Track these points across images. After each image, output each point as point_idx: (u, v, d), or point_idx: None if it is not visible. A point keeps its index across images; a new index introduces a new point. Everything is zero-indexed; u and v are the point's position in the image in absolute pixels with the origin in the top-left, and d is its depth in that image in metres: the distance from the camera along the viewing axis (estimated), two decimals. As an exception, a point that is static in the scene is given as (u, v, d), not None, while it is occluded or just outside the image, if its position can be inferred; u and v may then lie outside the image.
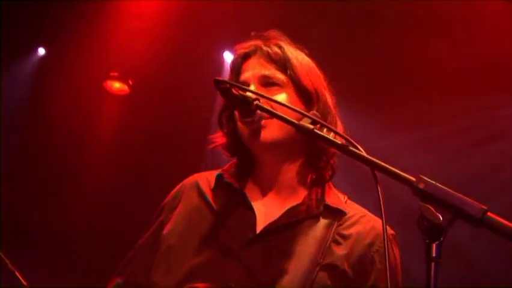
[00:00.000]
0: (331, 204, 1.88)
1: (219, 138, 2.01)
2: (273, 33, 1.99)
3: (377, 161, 1.45)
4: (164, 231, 1.94)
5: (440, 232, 1.29)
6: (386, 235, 1.45)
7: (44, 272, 6.11)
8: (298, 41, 2.00)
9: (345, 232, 1.84)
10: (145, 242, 2.02)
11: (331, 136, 1.59)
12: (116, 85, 6.64)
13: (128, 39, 6.08)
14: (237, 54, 1.98)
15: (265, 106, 1.72)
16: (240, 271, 1.76)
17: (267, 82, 1.89)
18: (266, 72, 1.89)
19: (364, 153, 1.49)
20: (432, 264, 1.28)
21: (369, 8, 5.45)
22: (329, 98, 1.95)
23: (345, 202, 1.93)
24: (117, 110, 6.82)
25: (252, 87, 1.85)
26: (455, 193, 1.32)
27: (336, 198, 1.92)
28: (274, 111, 1.69)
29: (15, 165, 6.53)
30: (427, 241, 1.30)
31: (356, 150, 1.51)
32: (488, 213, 1.27)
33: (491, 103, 5.71)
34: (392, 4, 5.36)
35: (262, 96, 1.76)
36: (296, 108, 1.74)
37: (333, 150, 1.87)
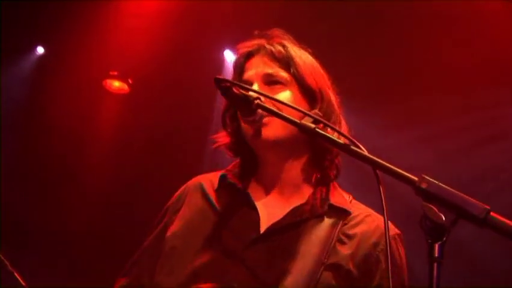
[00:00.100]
0: (336, 204, 1.86)
1: (222, 137, 2.00)
2: (276, 32, 1.99)
3: (379, 160, 1.44)
4: (168, 233, 1.93)
5: (442, 232, 1.28)
6: (388, 235, 1.45)
7: (44, 272, 6.11)
8: (299, 40, 2.00)
9: (350, 232, 1.83)
10: (149, 244, 2.01)
11: (335, 136, 1.58)
12: (116, 84, 6.62)
13: (128, 38, 6.07)
14: (240, 53, 1.97)
15: (266, 105, 1.71)
16: (244, 271, 1.75)
17: (270, 80, 1.88)
18: (269, 71, 1.89)
19: (366, 153, 1.49)
20: (435, 264, 1.27)
21: (370, 6, 5.44)
22: (332, 97, 1.94)
23: (350, 202, 1.92)
24: (117, 110, 6.80)
25: (255, 86, 1.84)
26: (458, 193, 1.31)
27: (340, 197, 1.91)
28: (275, 110, 1.69)
29: (14, 165, 6.52)
30: (430, 241, 1.29)
31: (358, 150, 1.50)
32: (492, 213, 1.26)
33: (493, 102, 5.70)
34: (392, 3, 5.36)
35: (263, 94, 1.75)
36: (297, 107, 1.73)
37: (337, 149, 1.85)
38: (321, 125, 1.60)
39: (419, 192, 1.33)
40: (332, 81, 1.99)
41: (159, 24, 5.99)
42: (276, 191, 1.91)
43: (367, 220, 1.86)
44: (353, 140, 1.53)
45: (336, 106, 1.94)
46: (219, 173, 1.98)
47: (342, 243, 1.80)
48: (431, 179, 1.34)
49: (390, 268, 1.48)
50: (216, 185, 1.96)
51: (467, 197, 1.30)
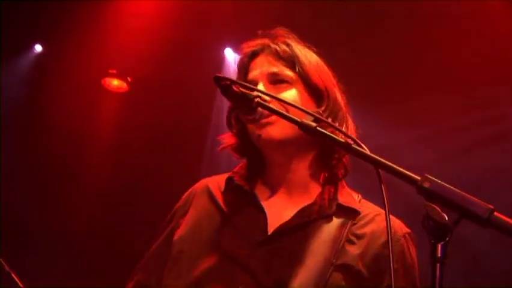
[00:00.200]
0: (344, 204, 1.84)
1: (227, 139, 1.99)
2: (280, 31, 1.97)
3: (381, 159, 1.42)
4: (175, 237, 1.92)
5: (445, 232, 1.27)
6: (390, 235, 1.44)
7: (44, 272, 6.11)
8: (299, 38, 1.98)
9: (359, 231, 1.81)
10: (156, 249, 2.01)
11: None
12: (115, 82, 6.60)
13: (126, 36, 6.05)
14: (244, 52, 1.96)
15: (266, 103, 1.69)
16: (251, 274, 1.73)
17: (275, 79, 1.87)
18: (274, 70, 1.87)
19: (368, 152, 1.47)
20: (438, 265, 1.26)
21: (370, 6, 5.44)
22: (339, 95, 1.92)
23: (359, 201, 1.90)
24: (116, 108, 6.78)
25: (260, 86, 1.83)
26: (461, 192, 1.29)
27: (349, 197, 1.89)
28: (275, 108, 1.67)
29: (14, 165, 6.51)
30: (432, 241, 1.27)
31: (360, 149, 1.49)
32: (495, 213, 1.25)
33: (494, 101, 5.70)
34: (392, 2, 5.35)
35: (263, 93, 1.73)
36: (297, 105, 1.72)
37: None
38: (323, 123, 1.59)
39: (421, 191, 1.32)
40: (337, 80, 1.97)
41: (158, 22, 5.97)
42: (284, 191, 1.89)
43: (377, 219, 1.84)
44: (355, 139, 1.52)
45: (342, 104, 1.92)
46: (226, 175, 1.96)
47: (352, 243, 1.78)
48: (433, 178, 1.32)
49: (392, 268, 1.46)
50: (222, 187, 1.94)
51: (470, 196, 1.28)
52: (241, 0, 5.54)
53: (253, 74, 1.89)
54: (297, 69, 1.87)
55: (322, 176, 1.91)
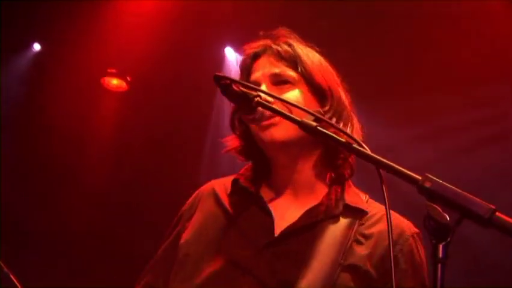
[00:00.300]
0: (351, 204, 1.83)
1: (231, 141, 1.98)
2: (282, 31, 1.97)
3: (382, 159, 1.41)
4: (182, 240, 1.91)
5: (447, 232, 1.26)
6: (391, 236, 1.43)
7: (44, 272, 6.10)
8: (300, 36, 1.97)
9: (367, 231, 1.79)
10: (163, 252, 2.00)
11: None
12: (114, 82, 6.57)
13: (126, 35, 6.03)
14: (246, 54, 1.95)
15: (266, 103, 1.68)
16: (259, 276, 1.72)
17: (278, 80, 1.86)
18: (276, 70, 1.86)
19: (369, 152, 1.46)
20: (439, 265, 1.25)
21: (370, 6, 5.43)
22: (343, 95, 1.92)
23: (367, 201, 1.89)
24: (115, 108, 6.76)
25: (263, 87, 1.82)
26: (462, 192, 1.28)
27: (356, 197, 1.88)
28: (275, 108, 1.66)
29: (13, 164, 6.50)
30: (434, 242, 1.26)
31: (361, 148, 1.48)
32: (497, 213, 1.23)
33: (494, 100, 5.69)
34: (393, 2, 5.35)
35: (263, 92, 1.72)
36: (297, 105, 1.71)
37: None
38: (324, 123, 1.58)
39: (422, 191, 1.31)
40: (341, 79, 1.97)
41: (158, 20, 5.95)
42: (290, 193, 1.88)
43: (384, 219, 1.80)
44: (356, 138, 1.51)
45: (346, 103, 1.91)
46: (232, 177, 1.96)
47: (359, 243, 1.77)
48: (434, 178, 1.31)
49: (393, 269, 1.46)
50: (229, 190, 1.94)
51: (471, 196, 1.27)
52: (241, 0, 5.53)
53: (255, 75, 1.89)
54: (300, 69, 1.86)
55: (328, 176, 1.89)
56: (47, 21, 6.09)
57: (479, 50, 5.39)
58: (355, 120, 1.92)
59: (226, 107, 6.27)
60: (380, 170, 1.42)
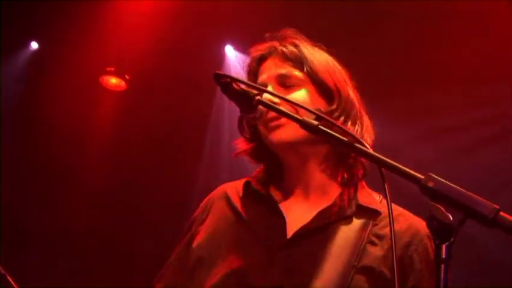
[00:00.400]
0: (364, 204, 1.82)
1: (241, 144, 1.97)
2: (288, 32, 1.96)
3: (384, 158, 1.40)
4: (194, 245, 1.90)
5: (450, 232, 1.24)
6: (394, 236, 1.42)
7: (44, 272, 6.10)
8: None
9: (381, 232, 1.77)
10: (176, 257, 1.99)
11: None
12: (113, 81, 6.54)
13: (125, 33, 6.00)
14: (253, 57, 1.95)
15: (267, 101, 1.67)
16: (271, 278, 1.71)
17: (284, 81, 1.85)
18: (282, 71, 1.86)
19: (371, 151, 1.45)
20: (442, 266, 1.23)
21: (371, 4, 5.42)
22: (351, 93, 1.90)
23: (380, 201, 1.86)
24: (114, 107, 6.73)
25: (269, 88, 1.81)
26: (466, 192, 1.26)
27: (370, 197, 1.86)
28: (276, 106, 1.65)
29: (12, 164, 6.48)
30: (437, 242, 1.25)
31: (363, 147, 1.46)
32: (501, 213, 1.22)
33: (495, 100, 5.68)
34: (394, 1, 5.34)
35: (265, 90, 1.71)
36: (298, 103, 1.70)
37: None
38: (326, 121, 1.56)
39: (425, 191, 1.29)
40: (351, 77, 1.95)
41: (157, 18, 5.92)
42: (302, 194, 1.87)
43: (399, 219, 1.80)
44: (357, 137, 1.50)
45: (355, 102, 1.90)
46: (244, 180, 1.95)
47: (373, 244, 1.75)
48: (438, 178, 1.29)
49: (396, 270, 1.44)
50: (241, 193, 1.93)
51: (475, 196, 1.26)
52: (241, -2, 5.52)
53: (262, 77, 1.88)
54: (305, 69, 1.85)
55: (340, 177, 1.87)
56: (45, 20, 6.06)
57: (479, 50, 5.38)
58: (365, 119, 1.91)
59: (226, 106, 6.27)
60: (382, 169, 1.41)
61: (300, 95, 1.82)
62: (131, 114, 6.66)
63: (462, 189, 1.27)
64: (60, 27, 6.07)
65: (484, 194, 1.27)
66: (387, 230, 1.76)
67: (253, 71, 1.93)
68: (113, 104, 6.70)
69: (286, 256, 1.74)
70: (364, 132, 1.86)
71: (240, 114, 1.93)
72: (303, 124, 1.55)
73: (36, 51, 6.60)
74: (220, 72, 1.64)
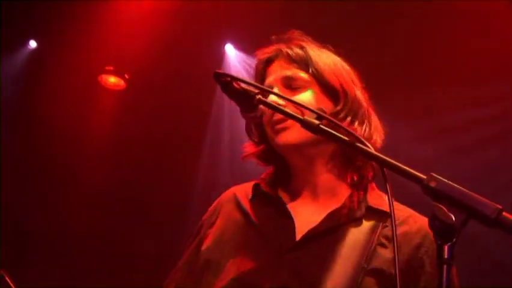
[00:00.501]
0: (374, 206, 1.81)
1: (249, 147, 1.97)
2: (294, 34, 1.96)
3: (386, 158, 1.39)
4: (203, 247, 1.90)
5: (452, 233, 1.23)
6: (395, 237, 1.40)
7: (44, 272, 6.09)
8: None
9: (391, 234, 1.73)
10: (185, 260, 1.98)
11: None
12: (112, 80, 6.52)
13: (124, 31, 5.98)
14: (259, 60, 1.95)
15: (267, 100, 1.66)
16: (281, 281, 1.70)
17: (290, 83, 1.86)
18: (288, 73, 1.86)
19: (372, 150, 1.44)
20: (445, 266, 1.22)
21: (372, 4, 5.42)
22: (358, 93, 1.90)
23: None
24: (113, 106, 6.71)
25: (275, 90, 1.81)
26: (468, 192, 1.25)
27: (380, 199, 1.85)
28: (276, 106, 1.64)
29: (12, 164, 6.47)
30: (439, 242, 1.24)
31: (364, 147, 1.45)
32: (503, 213, 1.21)
33: (495, 100, 5.68)
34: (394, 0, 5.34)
35: (265, 89, 1.71)
36: (299, 102, 1.70)
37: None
38: (327, 121, 1.56)
39: (427, 191, 1.28)
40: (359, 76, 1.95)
41: (157, 17, 5.91)
42: (310, 196, 1.87)
43: (409, 221, 1.79)
44: (359, 137, 1.49)
45: (362, 101, 1.89)
46: (253, 183, 1.95)
47: (383, 246, 1.74)
48: (440, 177, 1.28)
49: (397, 270, 1.43)
50: (250, 195, 1.93)
51: (477, 196, 1.24)
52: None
53: (268, 80, 1.89)
54: (311, 71, 1.85)
55: (349, 178, 1.87)
56: (44, 19, 6.05)
57: (479, 50, 5.37)
58: (374, 118, 1.90)
59: (226, 105, 6.26)
60: (384, 169, 1.40)
61: (305, 97, 1.82)
62: (131, 113, 6.65)
63: (464, 189, 1.26)
64: (59, 26, 6.06)
65: (484, 194, 1.26)
66: (398, 231, 1.73)
67: (260, 74, 1.94)
68: (112, 103, 6.68)
69: (295, 258, 1.73)
70: (373, 131, 1.86)
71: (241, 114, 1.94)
72: (304, 123, 1.55)
73: (35, 50, 6.59)
74: (220, 71, 1.63)
